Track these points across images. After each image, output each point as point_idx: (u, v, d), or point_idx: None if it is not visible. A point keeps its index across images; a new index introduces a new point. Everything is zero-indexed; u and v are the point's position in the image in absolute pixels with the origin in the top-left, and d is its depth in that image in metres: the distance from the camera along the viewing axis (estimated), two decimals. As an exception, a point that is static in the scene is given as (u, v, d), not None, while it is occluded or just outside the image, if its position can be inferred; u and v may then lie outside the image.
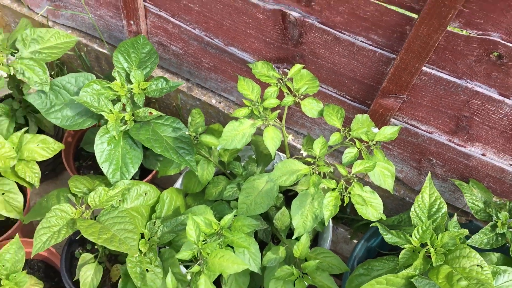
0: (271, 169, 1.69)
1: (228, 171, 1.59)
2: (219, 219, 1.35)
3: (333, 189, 1.16)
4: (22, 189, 1.60)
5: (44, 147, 1.56)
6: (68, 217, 1.33)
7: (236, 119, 1.29)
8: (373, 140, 1.23)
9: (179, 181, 1.64)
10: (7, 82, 1.64)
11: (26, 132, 1.56)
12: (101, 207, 1.35)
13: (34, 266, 1.65)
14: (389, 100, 1.37)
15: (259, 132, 1.60)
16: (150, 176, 1.71)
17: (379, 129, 1.27)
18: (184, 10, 1.52)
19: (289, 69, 1.51)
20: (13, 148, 1.44)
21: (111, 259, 1.57)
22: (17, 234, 1.38)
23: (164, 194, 1.50)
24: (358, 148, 1.21)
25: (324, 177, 1.20)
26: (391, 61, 1.29)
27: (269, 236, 1.54)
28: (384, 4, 1.17)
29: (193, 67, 1.73)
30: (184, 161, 1.44)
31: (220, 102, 1.77)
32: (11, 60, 1.52)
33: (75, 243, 1.58)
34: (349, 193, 1.16)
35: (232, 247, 1.31)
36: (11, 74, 1.49)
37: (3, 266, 1.36)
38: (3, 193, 1.55)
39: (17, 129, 1.71)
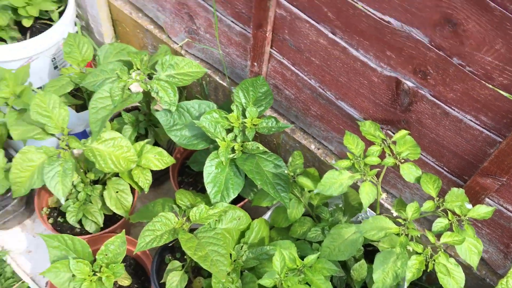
0: (355, 221, 1.76)
1: (315, 214, 1.68)
2: (300, 256, 1.44)
3: (419, 253, 1.22)
4: (131, 191, 1.80)
5: (159, 159, 1.76)
6: (170, 225, 1.49)
7: (336, 168, 1.40)
8: (466, 215, 1.28)
9: (268, 213, 1.76)
10: (139, 97, 1.88)
11: (147, 143, 1.77)
12: (199, 223, 1.50)
13: (127, 261, 1.83)
14: (487, 180, 1.41)
15: (353, 185, 1.69)
16: (242, 202, 1.85)
17: (472, 205, 1.32)
18: (305, 62, 1.67)
19: (392, 131, 1.60)
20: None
21: (194, 271, 1.71)
22: (123, 230, 1.56)
23: (254, 222, 1.63)
24: (450, 220, 1.26)
25: (411, 240, 1.26)
26: (496, 144, 1.34)
27: (343, 284, 1.60)
28: (499, 91, 1.23)
29: (300, 112, 1.87)
30: (279, 197, 1.57)
31: (318, 149, 1.89)
32: (146, 80, 1.75)
33: (167, 250, 1.74)
34: (434, 260, 1.21)
35: (309, 285, 1.39)
36: (147, 91, 1.72)
37: (106, 255, 1.54)
38: (117, 191, 1.76)
39: (137, 138, 1.95)
